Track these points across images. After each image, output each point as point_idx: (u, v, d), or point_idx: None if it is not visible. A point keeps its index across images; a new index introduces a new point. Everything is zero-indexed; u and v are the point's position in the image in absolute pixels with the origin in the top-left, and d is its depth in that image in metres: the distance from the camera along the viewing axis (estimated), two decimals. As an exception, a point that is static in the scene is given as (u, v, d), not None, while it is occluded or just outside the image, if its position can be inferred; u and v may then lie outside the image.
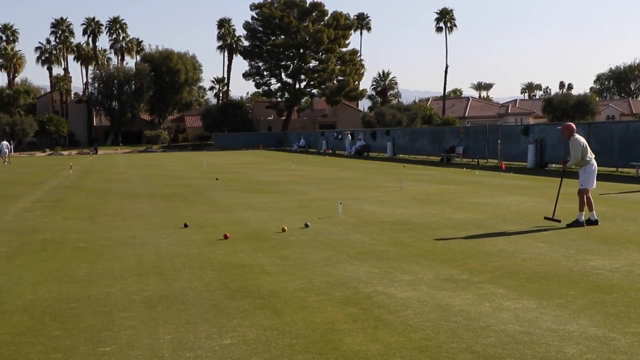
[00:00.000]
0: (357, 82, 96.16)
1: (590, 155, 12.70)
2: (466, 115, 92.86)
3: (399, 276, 8.48)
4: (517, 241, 10.96)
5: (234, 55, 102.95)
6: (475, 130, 39.92)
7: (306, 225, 13.06)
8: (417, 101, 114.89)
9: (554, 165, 30.06)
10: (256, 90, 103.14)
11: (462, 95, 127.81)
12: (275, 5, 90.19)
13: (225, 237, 11.81)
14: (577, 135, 12.72)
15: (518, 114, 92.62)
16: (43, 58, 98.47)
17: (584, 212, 12.49)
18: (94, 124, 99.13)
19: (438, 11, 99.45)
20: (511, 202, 16.91)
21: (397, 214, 14.74)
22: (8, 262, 9.99)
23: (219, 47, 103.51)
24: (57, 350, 5.83)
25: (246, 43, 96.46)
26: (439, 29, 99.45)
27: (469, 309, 6.88)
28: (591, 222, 12.44)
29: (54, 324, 6.63)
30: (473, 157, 37.84)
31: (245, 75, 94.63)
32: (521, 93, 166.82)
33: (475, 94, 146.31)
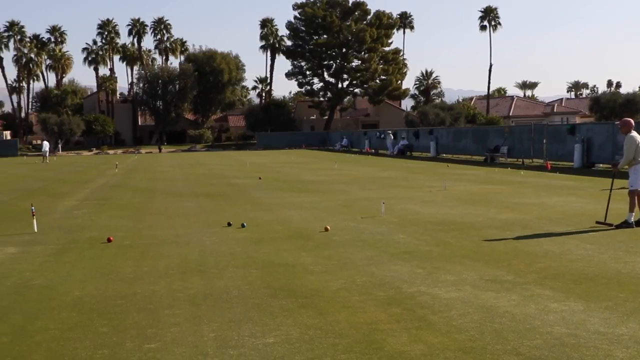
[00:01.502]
0: (399, 82, 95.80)
1: None
2: (510, 114, 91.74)
3: (442, 276, 8.41)
4: (563, 242, 10.78)
5: (276, 55, 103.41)
6: (520, 130, 39.41)
7: (242, 226, 13.19)
8: (460, 100, 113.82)
9: (601, 165, 29.53)
10: (299, 89, 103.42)
11: (507, 94, 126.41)
12: (318, 4, 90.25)
13: (109, 240, 11.80)
14: (634, 133, 12.31)
15: (564, 113, 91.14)
16: (90, 59, 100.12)
17: (634, 213, 12.20)
18: (139, 124, 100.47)
19: (482, 9, 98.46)
20: (557, 202, 16.65)
21: (441, 214, 14.63)
22: (57, 259, 10.17)
23: (262, 47, 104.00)
24: (104, 346, 5.91)
25: (289, 43, 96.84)
26: (483, 28, 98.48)
27: (514, 310, 6.78)
28: (628, 225, 12.10)
29: (101, 320, 6.73)
30: (518, 156, 37.36)
31: (288, 75, 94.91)
32: (567, 92, 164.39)
33: (520, 92, 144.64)
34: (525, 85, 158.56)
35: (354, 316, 6.69)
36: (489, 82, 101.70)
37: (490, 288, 7.75)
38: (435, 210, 15.30)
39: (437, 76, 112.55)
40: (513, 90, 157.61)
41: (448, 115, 74.47)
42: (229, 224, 13.41)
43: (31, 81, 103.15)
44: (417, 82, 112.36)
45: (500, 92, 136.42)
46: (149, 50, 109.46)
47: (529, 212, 14.78)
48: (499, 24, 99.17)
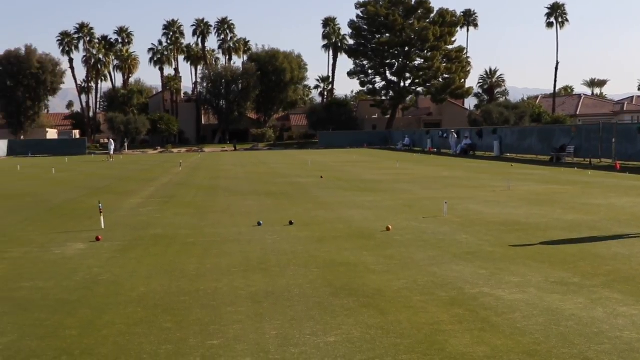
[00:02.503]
0: (463, 80, 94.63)
1: None
2: (578, 113, 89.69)
3: (506, 278, 8.28)
4: (633, 244, 10.49)
5: (339, 54, 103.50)
6: (587, 129, 38.52)
7: (259, 224, 13.37)
8: (525, 99, 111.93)
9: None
10: (361, 88, 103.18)
11: (574, 93, 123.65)
12: (381, 3, 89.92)
13: (97, 239, 11.92)
14: None
15: (635, 111, 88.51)
16: (155, 59, 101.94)
17: None
18: (202, 123, 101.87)
19: (549, 6, 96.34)
20: (627, 203, 16.21)
21: (505, 214, 14.41)
22: (123, 255, 10.40)
23: (324, 46, 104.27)
24: (168, 342, 6.01)
25: (351, 42, 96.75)
26: (549, 25, 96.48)
27: (581, 313, 6.63)
28: None
29: (166, 316, 6.84)
30: (585, 156, 36.54)
31: (350, 74, 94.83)
32: (639, 90, 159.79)
33: (588, 91, 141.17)
34: (593, 83, 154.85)
35: (416, 316, 6.65)
36: (555, 80, 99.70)
37: (556, 290, 7.59)
38: (498, 211, 15.08)
39: (501, 74, 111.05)
40: (580, 89, 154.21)
41: (512, 114, 73.28)
42: (291, 223, 13.47)
43: (99, 81, 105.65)
44: (480, 81, 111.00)
45: (567, 90, 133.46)
46: (213, 50, 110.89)
47: (597, 213, 14.44)
48: (567, 20, 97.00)
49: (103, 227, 13.35)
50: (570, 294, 7.40)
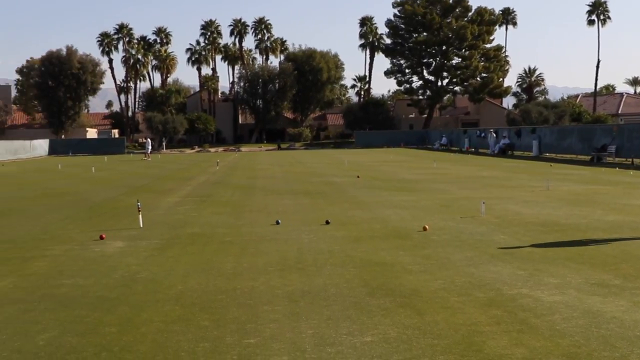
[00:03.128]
0: (501, 79, 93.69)
1: None
2: (619, 112, 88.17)
3: (545, 279, 8.18)
4: (675, 246, 10.29)
5: (375, 53, 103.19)
6: (629, 128, 37.86)
7: (277, 223, 13.45)
8: (565, 98, 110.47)
9: None
10: (398, 88, 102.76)
11: (615, 92, 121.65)
12: (418, 2, 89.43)
13: (101, 237, 12.07)
14: None
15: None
16: (193, 59, 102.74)
17: None
18: (239, 122, 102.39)
19: (590, 3, 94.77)
20: (668, 204, 15.91)
21: (544, 215, 14.24)
22: (161, 254, 10.50)
23: (361, 45, 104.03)
24: (205, 340, 6.05)
25: (388, 41, 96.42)
26: (590, 22, 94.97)
27: (622, 316, 6.52)
28: None
29: (203, 315, 6.89)
30: (627, 156, 35.95)
31: (387, 73, 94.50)
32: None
33: (630, 89, 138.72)
34: (636, 82, 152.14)
35: (453, 317, 6.60)
36: (596, 79, 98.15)
37: (596, 292, 7.48)
38: (537, 211, 14.91)
39: (540, 73, 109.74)
40: (622, 87, 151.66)
41: (552, 114, 72.38)
42: (327, 222, 13.48)
43: (138, 81, 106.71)
44: (519, 80, 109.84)
45: (609, 89, 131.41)
46: (250, 50, 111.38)
47: (639, 214, 14.19)
48: (608, 17, 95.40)
49: (141, 225, 13.50)
50: (611, 296, 7.29)
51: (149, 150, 57.96)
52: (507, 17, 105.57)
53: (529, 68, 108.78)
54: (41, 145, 70.78)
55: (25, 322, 6.77)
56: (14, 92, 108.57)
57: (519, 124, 66.32)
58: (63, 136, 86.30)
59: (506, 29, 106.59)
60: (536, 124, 64.47)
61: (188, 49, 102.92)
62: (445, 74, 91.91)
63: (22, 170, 39.86)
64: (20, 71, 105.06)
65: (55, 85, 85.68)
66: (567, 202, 16.61)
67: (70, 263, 9.87)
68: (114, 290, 8.05)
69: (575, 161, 38.13)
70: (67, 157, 63.34)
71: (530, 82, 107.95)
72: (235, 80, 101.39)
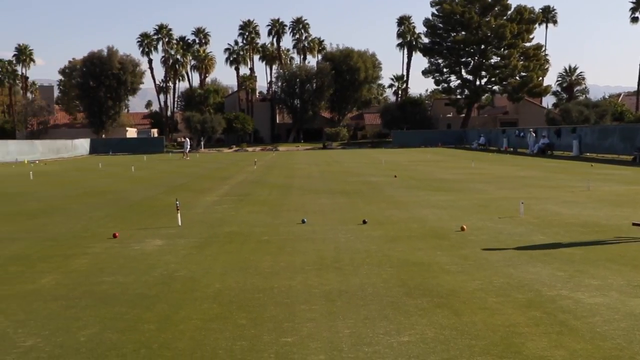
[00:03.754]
0: (541, 78, 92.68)
1: None
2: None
3: (585, 280, 8.07)
4: None
5: (413, 53, 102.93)
6: (672, 128, 37.14)
7: (303, 221, 13.55)
8: (606, 97, 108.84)
9: None
10: (435, 87, 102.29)
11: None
12: (457, 1, 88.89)
13: (114, 236, 12.21)
14: None
15: None
16: (231, 59, 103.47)
17: None
18: (277, 122, 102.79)
19: (634, 0, 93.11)
20: None
21: (584, 215, 14.04)
22: (199, 252, 10.59)
23: (399, 45, 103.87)
24: (242, 338, 6.09)
25: (426, 40, 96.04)
26: (634, 20, 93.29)
27: (665, 319, 6.40)
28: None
29: (240, 313, 6.93)
30: (669, 156, 35.26)
31: (425, 73, 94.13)
32: None
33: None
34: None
35: (491, 318, 6.55)
36: (639, 78, 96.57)
37: (639, 294, 7.35)
38: (577, 212, 14.70)
39: (581, 72, 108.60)
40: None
41: (592, 113, 71.38)
42: (365, 222, 13.46)
43: (177, 81, 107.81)
44: (559, 79, 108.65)
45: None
46: (288, 50, 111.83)
47: (682, 215, 13.92)
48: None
49: (180, 224, 13.63)
50: (653, 299, 7.16)
51: (188, 149, 58.55)
52: (548, 15, 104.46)
53: (570, 67, 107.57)
54: (82, 145, 71.90)
55: (67, 318, 6.89)
56: (56, 93, 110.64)
57: (558, 124, 65.52)
58: (103, 135, 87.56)
59: (546, 27, 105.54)
60: (576, 123, 63.61)
61: (226, 49, 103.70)
62: (483, 73, 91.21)
63: (64, 169, 40.52)
64: (62, 72, 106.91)
65: (96, 85, 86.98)
66: (609, 203, 16.36)
67: (111, 261, 10.01)
68: (153, 288, 8.14)
69: (616, 161, 37.53)
70: (108, 157, 64.23)
71: (571, 81, 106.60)
72: (273, 80, 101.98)
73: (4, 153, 52.91)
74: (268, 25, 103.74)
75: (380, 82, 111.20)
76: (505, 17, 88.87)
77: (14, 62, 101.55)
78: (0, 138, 76.14)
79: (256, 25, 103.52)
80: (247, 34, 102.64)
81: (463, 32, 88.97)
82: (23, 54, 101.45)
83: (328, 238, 11.76)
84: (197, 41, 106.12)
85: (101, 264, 9.74)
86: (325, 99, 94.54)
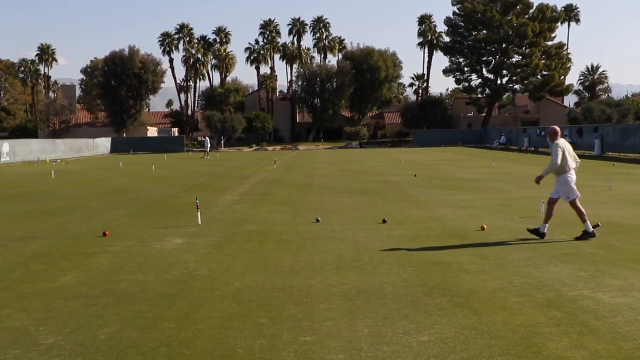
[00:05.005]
0: (562, 77, 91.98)
1: (573, 163, 11.29)
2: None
3: (607, 280, 8.00)
4: None
5: (434, 52, 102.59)
6: (695, 127, 36.72)
7: (317, 220, 13.58)
8: (629, 96, 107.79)
9: None
10: (456, 86, 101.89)
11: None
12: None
13: (104, 234, 12.29)
14: (561, 141, 11.31)
15: None
16: (252, 58, 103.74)
17: (587, 221, 11.09)
18: (297, 121, 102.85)
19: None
20: None
21: (606, 215, 13.91)
22: (218, 251, 10.63)
23: (419, 44, 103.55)
24: (262, 337, 6.10)
25: (447, 39, 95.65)
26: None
27: (687, 319, 6.33)
28: (538, 232, 11.22)
29: (260, 312, 6.95)
30: (693, 155, 34.86)
31: (446, 71, 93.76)
32: None
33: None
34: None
35: (511, 318, 6.51)
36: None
37: (660, 295, 7.28)
38: (599, 211, 14.57)
39: (604, 71, 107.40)
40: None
41: (615, 112, 70.72)
42: (384, 221, 13.44)
43: (198, 80, 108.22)
44: (581, 78, 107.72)
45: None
46: (308, 49, 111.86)
47: None
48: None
49: (200, 222, 13.69)
50: (676, 299, 7.08)
51: (208, 148, 58.77)
52: (570, 13, 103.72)
53: (592, 65, 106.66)
54: (103, 144, 72.39)
55: (87, 316, 6.94)
56: (78, 92, 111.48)
57: (580, 123, 64.98)
58: (124, 134, 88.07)
59: (568, 25, 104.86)
60: (598, 122, 63.08)
61: (247, 48, 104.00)
62: (504, 72, 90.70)
63: (85, 168, 40.82)
64: (84, 71, 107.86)
65: (117, 84, 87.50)
66: (631, 203, 16.21)
67: (131, 259, 10.08)
68: (172, 287, 8.18)
69: (639, 160, 37.16)
70: (128, 155, 64.62)
71: (593, 79, 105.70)
72: (293, 79, 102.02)
73: (27, 152, 53.39)
74: (289, 24, 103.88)
75: (400, 81, 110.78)
76: (527, 16, 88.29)
77: (37, 61, 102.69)
78: (23, 137, 76.95)
79: (277, 25, 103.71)
80: (267, 33, 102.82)
81: (484, 31, 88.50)
82: (45, 54, 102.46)
83: (348, 237, 11.75)
84: (217, 40, 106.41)
85: (121, 263, 9.80)
86: (345, 98, 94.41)
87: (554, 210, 11.42)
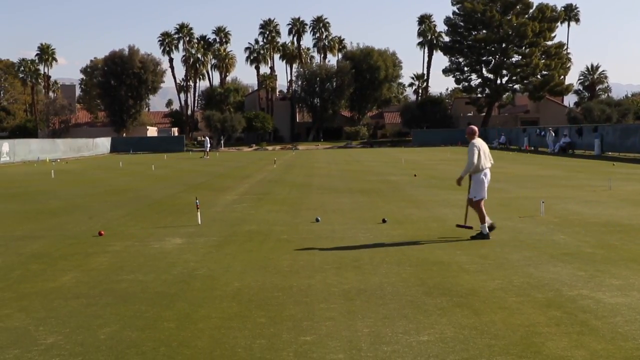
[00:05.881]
0: (562, 77, 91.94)
1: (487, 163, 11.44)
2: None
3: (607, 280, 8.00)
4: None
5: (434, 51, 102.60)
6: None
7: (317, 220, 13.59)
8: (629, 96, 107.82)
9: None
10: (456, 86, 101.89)
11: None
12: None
13: (100, 234, 12.40)
14: (477, 140, 11.48)
15: None
16: (251, 58, 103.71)
17: (485, 224, 11.30)
18: (297, 121, 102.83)
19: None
20: None
21: (606, 215, 13.92)
22: (218, 251, 10.63)
23: (419, 44, 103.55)
24: (261, 337, 6.10)
25: (447, 39, 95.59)
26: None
27: (687, 319, 6.33)
28: (482, 235, 11.29)
29: (259, 312, 6.95)
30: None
31: (445, 71, 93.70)
32: None
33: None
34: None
35: (511, 317, 6.51)
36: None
37: (660, 295, 7.28)
38: (599, 211, 14.58)
39: (603, 70, 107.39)
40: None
41: (615, 112, 70.73)
42: (384, 221, 13.44)
43: (197, 80, 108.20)
44: (581, 77, 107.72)
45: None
46: (308, 49, 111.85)
47: None
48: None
49: (200, 222, 13.69)
50: (675, 299, 7.08)
51: (208, 148, 58.78)
52: (570, 13, 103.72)
53: (592, 65, 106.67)
54: (103, 143, 72.37)
55: (87, 316, 6.94)
56: (78, 92, 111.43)
57: (580, 123, 64.98)
58: (124, 134, 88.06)
59: (568, 25, 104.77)
60: (598, 122, 63.10)
61: (247, 48, 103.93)
62: (504, 72, 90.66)
63: (85, 168, 40.82)
64: (84, 71, 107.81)
65: (117, 84, 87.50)
66: (631, 203, 16.21)
67: (131, 259, 10.08)
68: (172, 286, 8.18)
69: (639, 160, 37.16)
70: (128, 155, 64.62)
71: (593, 79, 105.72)
72: (293, 78, 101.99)
73: (26, 152, 53.38)
74: (288, 24, 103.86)
75: (400, 80, 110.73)
76: (526, 16, 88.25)
77: (37, 61, 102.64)
78: (23, 137, 76.91)
79: (277, 24, 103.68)
80: (267, 33, 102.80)
81: (484, 31, 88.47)
82: (45, 53, 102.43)
83: (347, 237, 11.75)
84: (217, 40, 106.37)
85: (121, 262, 9.80)
86: (345, 97, 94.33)
87: (480, 208, 11.47)
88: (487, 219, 11.39)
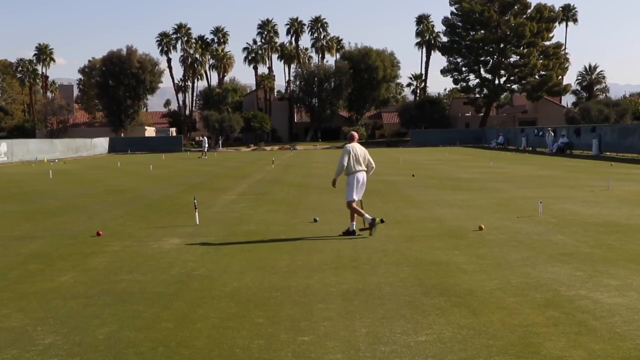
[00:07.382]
0: (560, 77, 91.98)
1: (358, 166, 12.00)
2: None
3: (605, 280, 8.01)
4: None
5: (432, 52, 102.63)
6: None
7: (315, 220, 13.75)
8: (627, 96, 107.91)
9: None
10: (454, 86, 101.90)
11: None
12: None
13: (98, 234, 12.41)
14: (351, 145, 12.12)
15: None
16: (250, 58, 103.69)
17: (354, 222, 12.01)
18: (295, 121, 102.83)
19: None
20: None
21: (603, 215, 13.93)
22: (216, 251, 10.63)
23: (418, 44, 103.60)
24: (260, 337, 6.10)
25: (445, 39, 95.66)
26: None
27: (685, 319, 6.34)
28: (349, 233, 11.95)
29: (258, 312, 6.95)
30: (690, 155, 34.88)
31: (444, 71, 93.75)
32: None
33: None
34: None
35: (509, 318, 6.52)
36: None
37: (658, 295, 7.29)
38: (597, 211, 14.60)
39: (601, 71, 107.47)
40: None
41: (613, 112, 70.83)
42: (382, 221, 13.43)
43: (195, 80, 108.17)
44: (579, 77, 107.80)
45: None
46: (306, 49, 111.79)
47: (703, 215, 13.78)
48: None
49: (198, 222, 13.68)
50: (673, 299, 7.09)
51: (206, 148, 58.75)
52: (568, 13, 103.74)
53: (590, 65, 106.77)
54: (101, 144, 72.34)
55: (85, 316, 6.94)
56: (76, 92, 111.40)
57: (578, 123, 65.04)
58: (122, 134, 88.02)
59: (566, 25, 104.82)
60: (596, 122, 63.13)
61: (245, 48, 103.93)
62: (502, 72, 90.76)
63: (83, 168, 40.80)
64: (82, 71, 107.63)
65: (115, 84, 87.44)
66: (629, 203, 16.23)
67: (129, 259, 10.07)
68: (170, 287, 8.17)
69: (637, 160, 37.19)
70: (126, 155, 64.58)
71: (591, 79, 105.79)
72: (291, 79, 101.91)
73: (24, 152, 53.33)
74: (287, 24, 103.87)
75: (398, 81, 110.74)
76: (524, 16, 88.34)
77: (35, 61, 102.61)
78: (21, 137, 76.83)
79: (275, 25, 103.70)
80: (265, 33, 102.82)
81: (482, 31, 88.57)
82: (43, 54, 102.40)
83: (345, 237, 11.75)
84: (215, 40, 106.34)
85: (119, 263, 9.79)
86: (343, 98, 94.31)
87: (352, 208, 12.02)
88: (366, 216, 11.88)
